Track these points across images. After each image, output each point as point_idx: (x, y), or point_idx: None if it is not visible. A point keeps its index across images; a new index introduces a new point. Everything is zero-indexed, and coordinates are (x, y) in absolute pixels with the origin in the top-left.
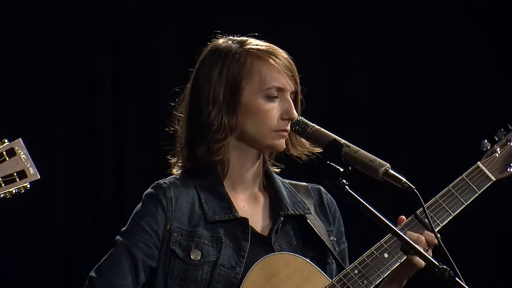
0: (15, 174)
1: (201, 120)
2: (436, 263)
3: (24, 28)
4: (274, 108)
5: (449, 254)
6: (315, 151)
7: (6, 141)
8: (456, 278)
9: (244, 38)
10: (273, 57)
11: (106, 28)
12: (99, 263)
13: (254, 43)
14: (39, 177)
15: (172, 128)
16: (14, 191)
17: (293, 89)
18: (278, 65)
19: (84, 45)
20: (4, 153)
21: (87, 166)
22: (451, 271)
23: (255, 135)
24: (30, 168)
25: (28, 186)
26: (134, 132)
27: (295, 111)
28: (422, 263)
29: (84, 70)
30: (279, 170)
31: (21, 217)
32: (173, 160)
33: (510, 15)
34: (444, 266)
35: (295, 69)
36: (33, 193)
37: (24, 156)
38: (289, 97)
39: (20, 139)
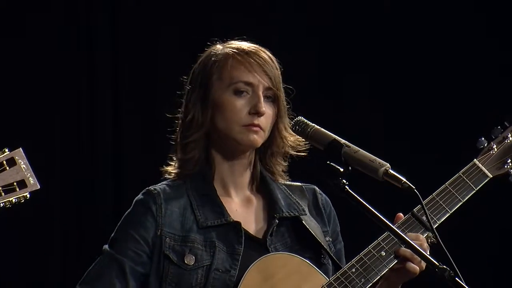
0: (15, 183)
1: (182, 121)
2: (436, 263)
3: (23, 28)
4: (241, 103)
5: (449, 254)
6: (299, 147)
7: (6, 150)
8: (456, 278)
9: (232, 41)
10: (245, 56)
11: (106, 28)
12: (84, 276)
13: (236, 44)
14: (39, 187)
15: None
16: (14, 200)
17: (267, 85)
18: (249, 62)
19: (84, 45)
20: (5, 162)
21: (86, 167)
22: (451, 271)
23: (225, 131)
24: (30, 178)
25: (28, 196)
26: (134, 132)
27: (263, 106)
28: (416, 268)
29: (83, 70)
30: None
31: (19, 219)
32: (164, 169)
33: (507, 13)
34: (444, 266)
35: (274, 69)
36: (31, 195)
37: (24, 165)
38: (260, 93)
39: (21, 149)
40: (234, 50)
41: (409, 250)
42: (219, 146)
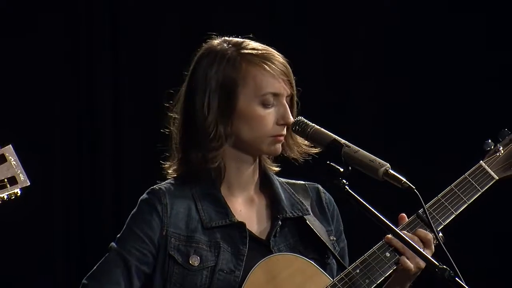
0: (5, 180)
1: (196, 126)
2: (436, 263)
3: (22, 28)
4: (270, 114)
5: (449, 254)
6: (311, 151)
7: None
8: (456, 278)
9: (240, 40)
10: (268, 63)
11: (106, 28)
12: (92, 270)
13: (250, 46)
14: (29, 183)
15: (167, 130)
16: (5, 197)
17: (289, 93)
18: (273, 71)
19: (84, 45)
20: None
21: (86, 169)
22: (451, 271)
23: (251, 141)
24: (20, 175)
25: (19, 192)
26: (134, 132)
27: (291, 116)
28: (407, 263)
29: (83, 71)
30: (278, 169)
31: (19, 220)
32: (167, 164)
33: (510, 16)
34: (444, 266)
35: (291, 73)
36: (32, 196)
37: (14, 162)
38: (284, 101)
39: (11, 145)
40: (255, 56)
41: (395, 239)
42: (233, 152)
